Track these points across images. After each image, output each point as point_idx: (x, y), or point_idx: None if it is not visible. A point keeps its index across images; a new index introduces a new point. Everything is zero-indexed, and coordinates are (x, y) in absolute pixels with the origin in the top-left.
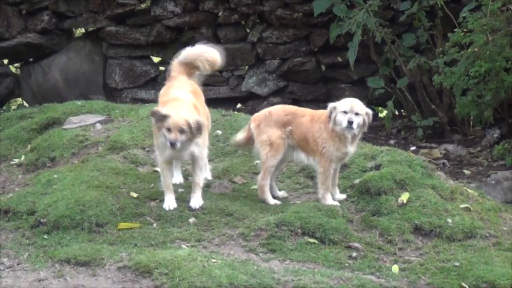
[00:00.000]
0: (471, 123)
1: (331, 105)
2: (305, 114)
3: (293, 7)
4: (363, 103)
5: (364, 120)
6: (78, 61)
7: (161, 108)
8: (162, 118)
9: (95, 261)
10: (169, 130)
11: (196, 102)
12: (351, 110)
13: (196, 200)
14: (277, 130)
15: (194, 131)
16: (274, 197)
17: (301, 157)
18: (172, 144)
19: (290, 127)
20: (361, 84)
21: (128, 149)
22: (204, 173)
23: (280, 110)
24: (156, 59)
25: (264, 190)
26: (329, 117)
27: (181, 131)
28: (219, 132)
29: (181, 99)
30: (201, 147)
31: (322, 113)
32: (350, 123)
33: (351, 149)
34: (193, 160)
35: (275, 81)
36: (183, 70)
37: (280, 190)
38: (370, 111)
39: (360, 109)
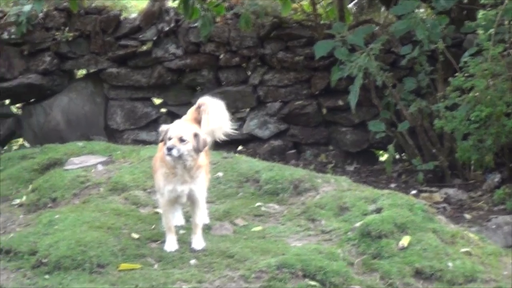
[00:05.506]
0: (472, 167)
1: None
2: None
3: (294, 50)
4: (364, 146)
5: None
6: (80, 102)
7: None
8: (165, 133)
9: None
10: (169, 139)
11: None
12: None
13: (198, 241)
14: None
15: (198, 143)
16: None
17: None
18: (168, 149)
19: None
20: (362, 127)
21: (130, 190)
22: (204, 214)
23: None
24: (157, 101)
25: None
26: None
27: (181, 139)
28: (220, 174)
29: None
30: (200, 187)
31: None
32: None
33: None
34: (192, 200)
35: (276, 124)
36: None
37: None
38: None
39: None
